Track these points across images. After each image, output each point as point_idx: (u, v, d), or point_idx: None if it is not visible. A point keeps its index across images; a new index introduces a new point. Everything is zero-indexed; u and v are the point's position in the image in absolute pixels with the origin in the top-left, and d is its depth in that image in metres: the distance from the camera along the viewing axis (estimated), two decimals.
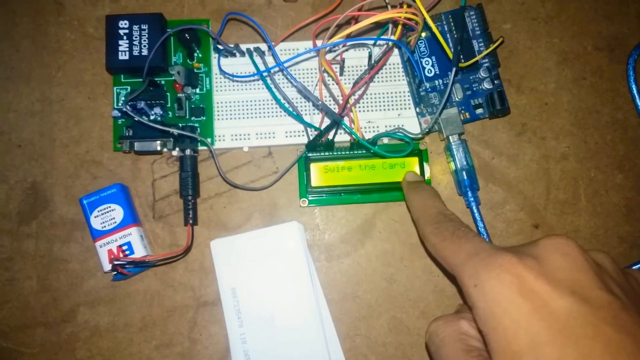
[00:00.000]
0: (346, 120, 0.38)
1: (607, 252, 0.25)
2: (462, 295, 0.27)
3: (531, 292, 0.21)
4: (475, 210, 0.38)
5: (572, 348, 0.20)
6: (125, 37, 0.38)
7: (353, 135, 0.37)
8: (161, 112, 0.39)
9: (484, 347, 0.24)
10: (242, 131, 0.40)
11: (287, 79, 0.40)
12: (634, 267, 0.39)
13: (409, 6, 0.33)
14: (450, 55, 0.35)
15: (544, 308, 0.21)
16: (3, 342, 0.39)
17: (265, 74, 0.38)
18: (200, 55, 0.40)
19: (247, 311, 0.38)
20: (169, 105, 0.40)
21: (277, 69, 0.39)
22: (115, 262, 0.35)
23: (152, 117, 0.39)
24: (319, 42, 0.36)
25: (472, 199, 0.38)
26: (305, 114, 0.40)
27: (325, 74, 0.39)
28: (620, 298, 0.21)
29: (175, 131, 0.37)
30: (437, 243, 0.28)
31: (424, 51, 0.39)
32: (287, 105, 0.39)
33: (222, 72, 0.39)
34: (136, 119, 0.36)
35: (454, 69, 0.33)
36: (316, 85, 0.40)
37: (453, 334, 0.26)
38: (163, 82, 0.40)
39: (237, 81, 0.40)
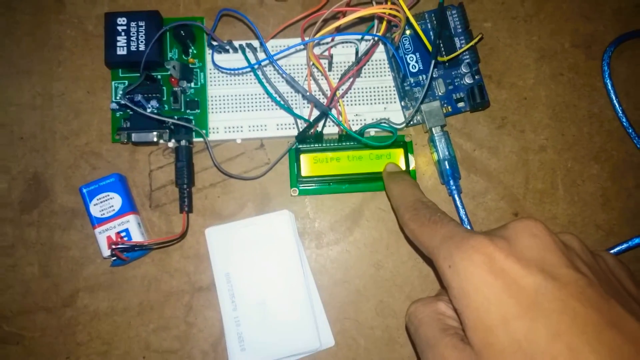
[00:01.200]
0: (334, 113, 0.40)
1: (575, 234, 0.26)
2: (439, 278, 0.29)
3: (501, 270, 0.22)
4: (457, 198, 0.40)
5: (541, 322, 0.20)
6: (123, 34, 0.40)
7: (341, 126, 0.39)
8: (157, 105, 0.41)
9: (460, 326, 0.25)
10: (235, 124, 0.42)
11: (277, 72, 0.41)
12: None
13: (393, 3, 0.35)
14: (430, 49, 0.37)
15: (513, 285, 0.22)
16: (6, 327, 0.40)
17: (256, 66, 0.40)
18: (194, 51, 0.42)
19: (241, 295, 0.39)
20: (165, 98, 0.41)
21: (268, 62, 0.41)
22: (114, 247, 0.37)
23: (148, 110, 0.41)
24: (307, 37, 0.38)
25: (453, 187, 0.40)
26: (295, 107, 0.42)
27: (315, 69, 0.41)
28: (586, 275, 0.22)
29: (171, 121, 0.39)
30: (415, 228, 0.30)
31: (409, 48, 0.41)
32: (278, 98, 0.41)
33: (216, 66, 0.41)
34: (134, 109, 0.38)
35: (432, 61, 0.35)
36: (305, 78, 0.41)
37: (431, 314, 0.26)
38: (159, 76, 0.41)
39: (230, 74, 0.42)
